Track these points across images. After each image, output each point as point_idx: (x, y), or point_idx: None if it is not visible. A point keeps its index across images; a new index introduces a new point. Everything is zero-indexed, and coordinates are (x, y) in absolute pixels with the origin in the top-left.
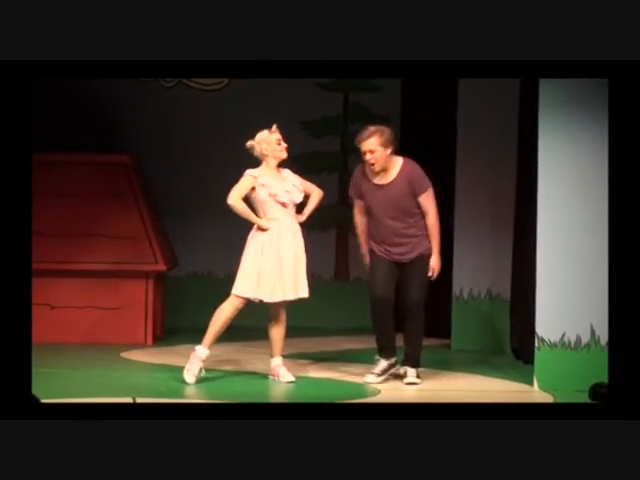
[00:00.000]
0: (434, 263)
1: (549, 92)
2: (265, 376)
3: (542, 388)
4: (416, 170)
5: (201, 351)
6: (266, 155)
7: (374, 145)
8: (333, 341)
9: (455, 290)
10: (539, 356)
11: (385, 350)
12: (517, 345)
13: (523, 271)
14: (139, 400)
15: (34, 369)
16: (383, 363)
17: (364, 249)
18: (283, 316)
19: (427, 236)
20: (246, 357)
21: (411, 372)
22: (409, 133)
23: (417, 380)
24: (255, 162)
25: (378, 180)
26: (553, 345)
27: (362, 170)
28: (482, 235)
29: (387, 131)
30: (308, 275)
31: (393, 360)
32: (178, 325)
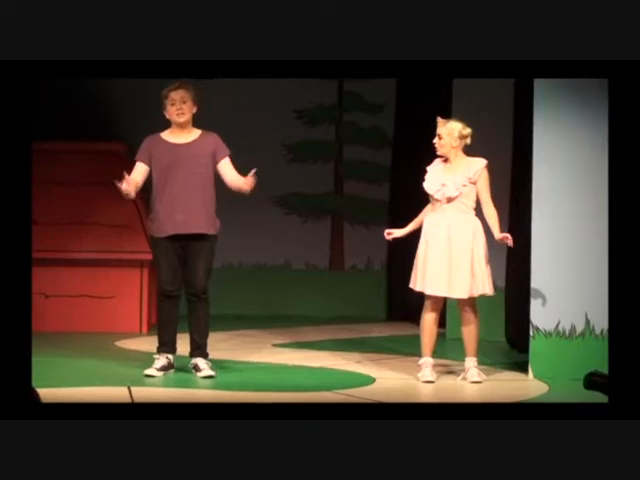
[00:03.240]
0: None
1: (544, 83)
2: (258, 364)
3: (537, 377)
4: (218, 137)
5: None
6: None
7: (186, 95)
8: (328, 330)
9: None
10: (534, 345)
11: (168, 344)
12: (512, 334)
13: (518, 260)
14: (134, 389)
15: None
16: (163, 359)
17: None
18: (467, 315)
19: (214, 213)
20: (239, 346)
21: (204, 364)
22: (404, 122)
23: (214, 372)
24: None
25: (177, 140)
26: (548, 334)
27: (155, 135)
28: None
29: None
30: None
31: (172, 357)
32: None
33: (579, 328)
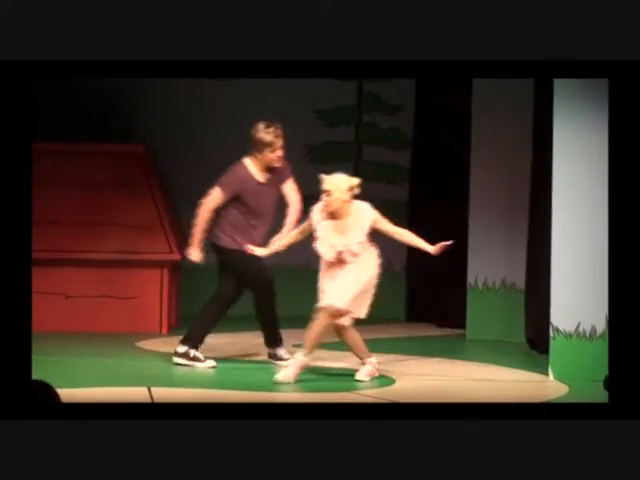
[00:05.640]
0: None
1: (564, 83)
2: (277, 364)
3: (557, 378)
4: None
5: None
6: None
7: (282, 140)
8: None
9: (470, 280)
10: (554, 346)
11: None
12: (532, 335)
13: (538, 260)
14: (154, 389)
15: (48, 358)
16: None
17: (199, 240)
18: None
19: None
20: (258, 346)
21: (286, 353)
22: (423, 123)
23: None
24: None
25: (262, 178)
26: (568, 335)
27: (246, 171)
28: (497, 224)
29: None
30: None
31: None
32: (193, 314)
33: (599, 329)
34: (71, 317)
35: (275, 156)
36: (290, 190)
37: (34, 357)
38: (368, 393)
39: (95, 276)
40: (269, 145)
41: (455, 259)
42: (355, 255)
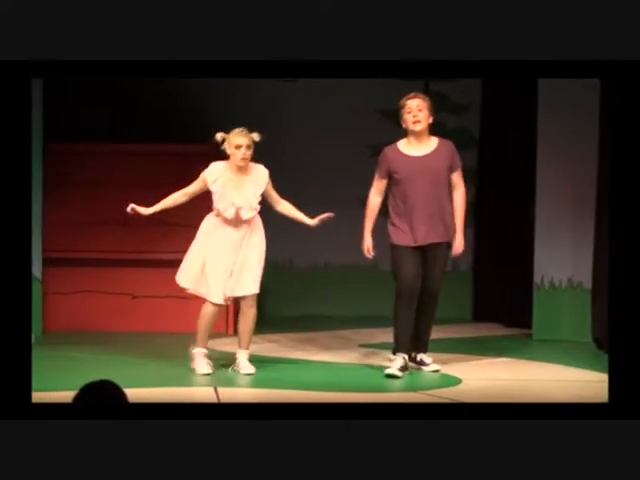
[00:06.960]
0: (458, 243)
1: None
2: (343, 365)
3: None
4: (454, 146)
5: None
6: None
7: (422, 104)
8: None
9: (536, 279)
10: None
11: (405, 345)
12: (599, 334)
13: (604, 260)
14: (220, 390)
15: (115, 358)
16: (401, 360)
17: (370, 229)
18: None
19: (450, 221)
20: (326, 346)
21: (428, 358)
22: (490, 122)
23: (439, 367)
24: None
25: (415, 152)
26: None
27: (393, 148)
28: (563, 224)
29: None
30: None
31: (407, 357)
32: (259, 314)
33: None
34: (138, 317)
35: (411, 118)
36: (457, 180)
37: (103, 357)
38: (434, 393)
39: (162, 276)
40: (402, 107)
41: (522, 259)
42: (254, 209)
